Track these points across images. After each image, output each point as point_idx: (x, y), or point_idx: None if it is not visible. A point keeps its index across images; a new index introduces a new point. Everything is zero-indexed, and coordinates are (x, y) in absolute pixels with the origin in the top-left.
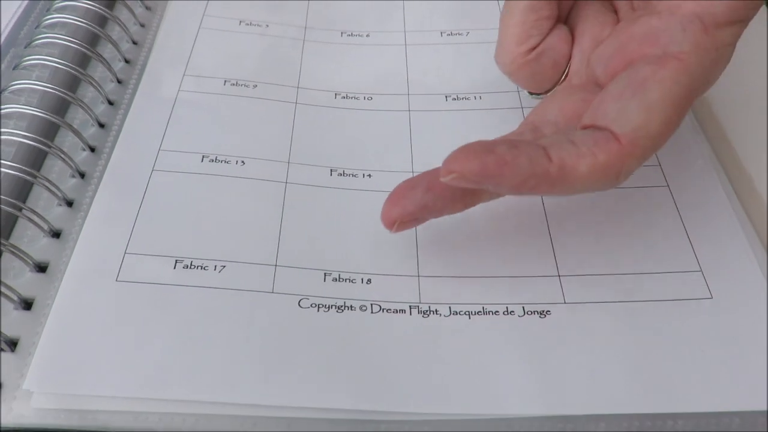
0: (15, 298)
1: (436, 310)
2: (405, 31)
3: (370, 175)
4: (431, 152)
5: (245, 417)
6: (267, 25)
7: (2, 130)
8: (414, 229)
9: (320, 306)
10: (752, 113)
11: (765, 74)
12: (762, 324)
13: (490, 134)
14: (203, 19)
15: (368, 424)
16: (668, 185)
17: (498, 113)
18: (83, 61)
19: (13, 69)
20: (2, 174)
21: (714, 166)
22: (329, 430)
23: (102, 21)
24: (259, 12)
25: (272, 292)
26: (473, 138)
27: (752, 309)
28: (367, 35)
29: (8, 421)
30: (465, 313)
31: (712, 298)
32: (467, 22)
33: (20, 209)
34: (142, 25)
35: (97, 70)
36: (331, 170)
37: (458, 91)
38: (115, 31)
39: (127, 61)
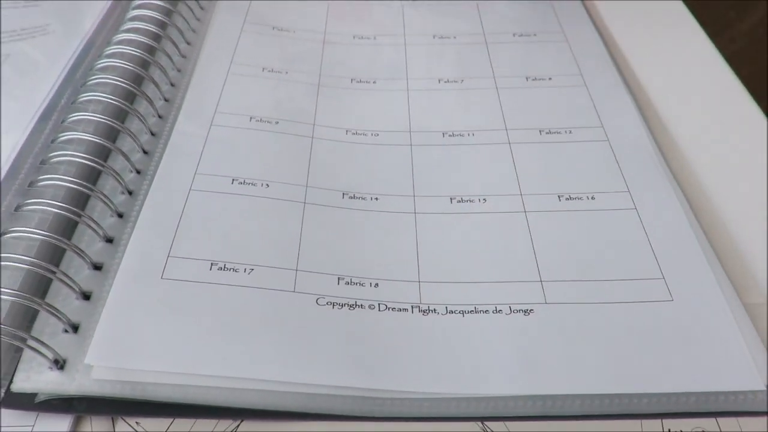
0: (76, 289)
1: (435, 309)
2: (407, 79)
3: (377, 198)
4: (430, 179)
5: (269, 392)
6: (287, 72)
7: (70, 152)
8: (415, 240)
9: (335, 304)
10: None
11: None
12: (713, 320)
13: (481, 166)
14: (231, 66)
15: (374, 401)
16: (636, 208)
17: (488, 148)
18: (129, 95)
19: (62, 123)
20: (66, 188)
21: (675, 190)
22: (341, 405)
23: (145, 64)
24: (279, 62)
25: (294, 291)
26: (466, 167)
27: (704, 309)
28: (374, 82)
29: (72, 389)
30: (459, 312)
31: (672, 300)
32: (461, 72)
33: (80, 216)
34: (179, 70)
35: (142, 105)
36: (343, 193)
37: (453, 129)
38: (156, 73)
39: (166, 100)
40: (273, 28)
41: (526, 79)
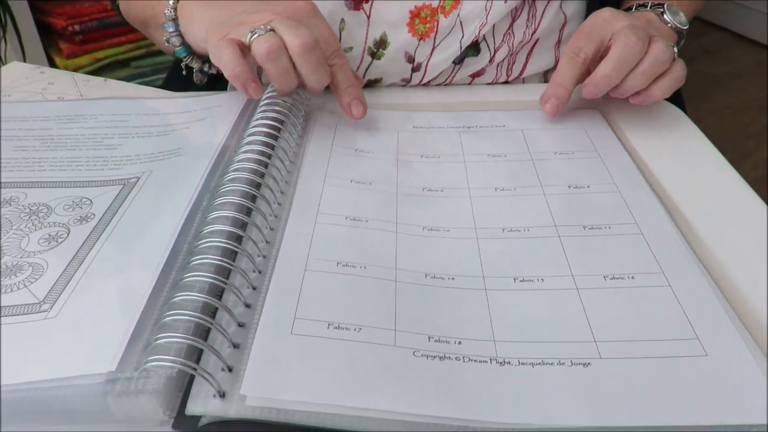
0: (228, 340)
1: (509, 362)
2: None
3: (453, 279)
4: (497, 264)
5: (381, 419)
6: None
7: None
8: (488, 307)
9: (428, 356)
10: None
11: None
12: (739, 368)
13: (537, 254)
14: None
15: (460, 426)
16: (669, 285)
17: (542, 241)
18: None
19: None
20: (210, 269)
21: (701, 270)
22: (436, 429)
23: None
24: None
25: (394, 346)
26: (524, 255)
27: (732, 360)
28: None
29: (232, 413)
30: (530, 363)
31: (706, 355)
32: (514, 182)
33: (225, 283)
34: (280, 205)
35: (253, 232)
36: (426, 274)
37: (511, 226)
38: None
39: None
40: (355, 150)
41: (568, 187)
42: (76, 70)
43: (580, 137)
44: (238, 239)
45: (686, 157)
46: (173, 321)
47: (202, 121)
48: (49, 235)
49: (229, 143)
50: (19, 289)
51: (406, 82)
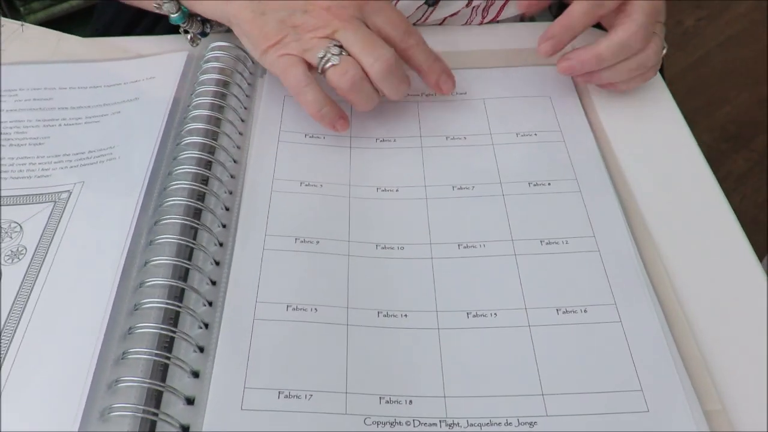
0: (176, 424)
1: (458, 423)
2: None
3: (406, 315)
4: (452, 295)
5: None
6: (321, 185)
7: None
8: (439, 357)
9: (379, 422)
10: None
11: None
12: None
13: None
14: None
15: None
16: (621, 321)
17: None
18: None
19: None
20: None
21: (653, 299)
22: None
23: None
24: (316, 175)
25: (345, 414)
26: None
27: (671, 419)
28: (396, 190)
29: None
30: (478, 424)
31: (648, 411)
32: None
33: (169, 358)
34: (230, 192)
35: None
36: (378, 312)
37: (468, 240)
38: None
39: (223, 226)
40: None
41: (528, 184)
42: None
43: (545, 111)
44: (185, 274)
45: (655, 141)
46: (118, 416)
47: (136, 101)
48: None
49: (169, 130)
50: None
51: None
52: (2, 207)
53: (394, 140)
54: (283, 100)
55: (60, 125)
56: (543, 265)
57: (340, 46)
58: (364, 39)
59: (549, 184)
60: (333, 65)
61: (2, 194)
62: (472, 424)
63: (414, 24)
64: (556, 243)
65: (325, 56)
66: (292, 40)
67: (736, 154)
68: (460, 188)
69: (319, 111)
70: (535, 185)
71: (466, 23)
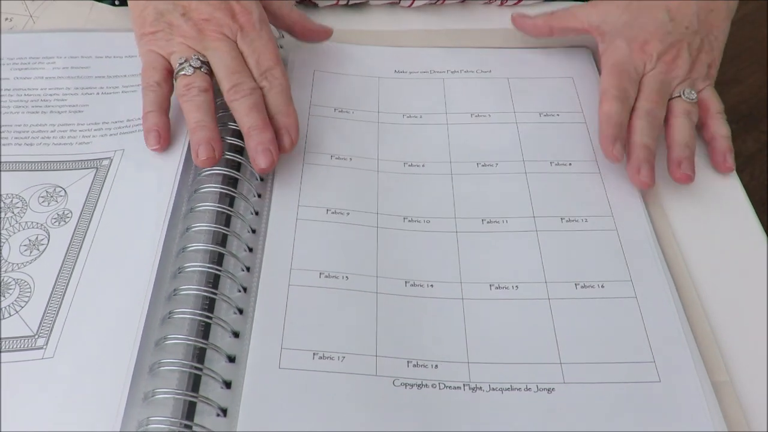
0: (219, 379)
1: (481, 387)
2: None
3: (432, 285)
4: (475, 267)
5: None
6: (350, 159)
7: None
8: (464, 325)
9: (407, 384)
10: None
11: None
12: (687, 399)
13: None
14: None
15: None
16: (636, 297)
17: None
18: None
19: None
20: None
21: (666, 276)
22: None
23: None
24: (345, 149)
25: (375, 375)
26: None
27: (681, 389)
28: (423, 165)
29: None
30: (499, 389)
31: (660, 381)
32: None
33: (211, 318)
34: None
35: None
36: (405, 282)
37: (491, 216)
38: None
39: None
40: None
41: (550, 164)
42: None
43: (567, 92)
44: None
45: None
46: (167, 371)
47: None
48: (29, 240)
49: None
50: (10, 315)
51: (395, 2)
52: (46, 172)
53: (420, 116)
54: (312, 74)
55: (98, 94)
56: (563, 241)
57: (205, 62)
58: (231, 65)
59: (570, 164)
60: (185, 74)
61: (46, 160)
62: (494, 388)
63: (434, 3)
64: (576, 221)
65: (183, 63)
66: (163, 38)
67: (747, 134)
68: (484, 165)
69: (144, 114)
70: (556, 164)
71: (488, 1)
